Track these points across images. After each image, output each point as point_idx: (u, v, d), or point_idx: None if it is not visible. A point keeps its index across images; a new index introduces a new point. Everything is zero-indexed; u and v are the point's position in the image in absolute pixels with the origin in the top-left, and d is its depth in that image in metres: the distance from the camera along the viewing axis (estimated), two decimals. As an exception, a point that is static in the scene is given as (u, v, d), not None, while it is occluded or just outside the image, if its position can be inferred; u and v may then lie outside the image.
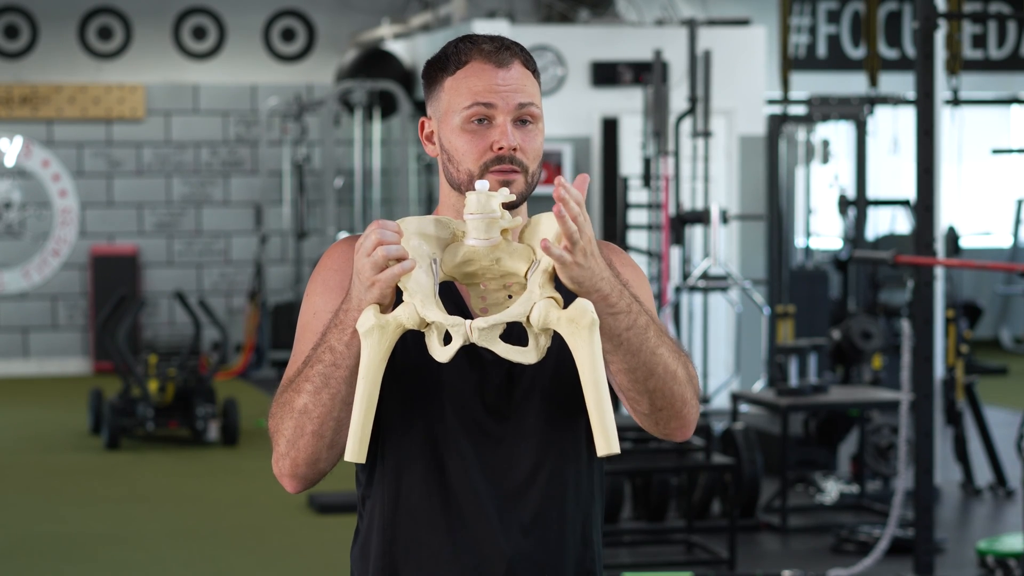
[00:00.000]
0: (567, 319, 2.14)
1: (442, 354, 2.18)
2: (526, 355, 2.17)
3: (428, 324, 2.17)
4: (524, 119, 2.31)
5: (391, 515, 2.33)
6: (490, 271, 2.19)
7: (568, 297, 2.19)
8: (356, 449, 2.16)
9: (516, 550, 2.31)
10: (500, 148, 2.29)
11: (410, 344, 2.27)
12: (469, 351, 2.26)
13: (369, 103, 12.79)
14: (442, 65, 2.34)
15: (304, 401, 2.24)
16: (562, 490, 2.34)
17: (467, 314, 2.26)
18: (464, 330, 2.16)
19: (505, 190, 2.19)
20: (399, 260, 2.15)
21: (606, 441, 2.14)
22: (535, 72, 2.35)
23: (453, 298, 2.29)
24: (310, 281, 2.38)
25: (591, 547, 2.39)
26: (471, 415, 2.31)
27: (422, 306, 2.16)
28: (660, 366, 2.25)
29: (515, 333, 2.22)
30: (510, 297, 2.20)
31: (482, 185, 2.17)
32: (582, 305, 2.14)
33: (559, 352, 2.27)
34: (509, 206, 2.27)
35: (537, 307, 2.15)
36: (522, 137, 2.31)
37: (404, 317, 2.16)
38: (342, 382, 2.22)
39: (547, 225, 2.19)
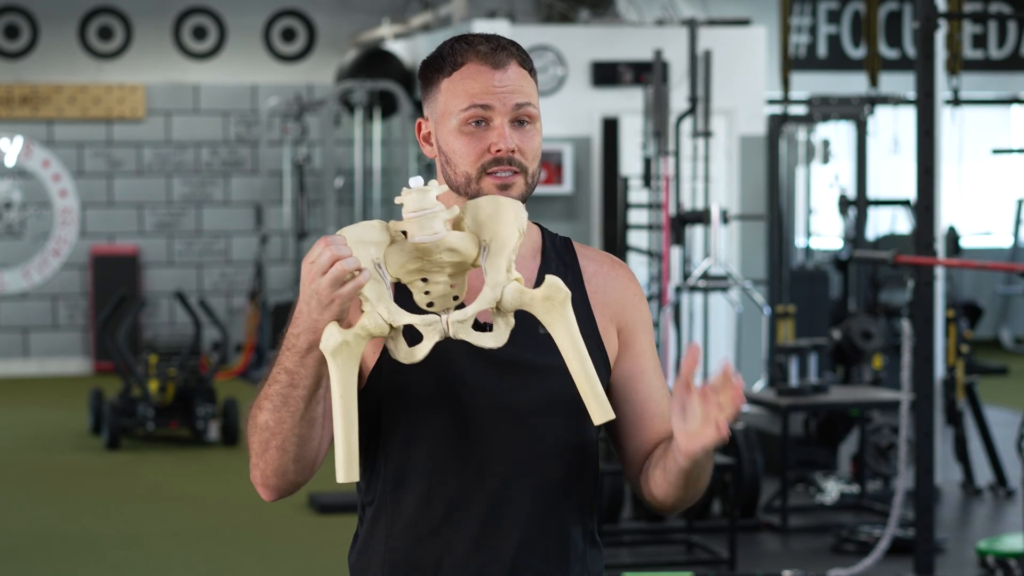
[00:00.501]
0: (542, 297, 2.16)
1: (409, 355, 2.18)
2: (495, 339, 2.18)
3: (393, 329, 2.16)
4: (522, 120, 2.30)
5: (393, 524, 2.33)
6: (435, 265, 2.18)
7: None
8: (346, 469, 2.15)
9: (519, 559, 2.31)
10: (498, 150, 2.28)
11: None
12: (473, 361, 2.27)
13: (369, 103, 12.79)
14: (438, 66, 2.33)
15: (265, 418, 2.24)
16: (564, 499, 2.34)
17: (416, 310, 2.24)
18: (441, 326, 2.16)
19: (434, 182, 2.18)
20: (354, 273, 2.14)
21: (601, 409, 2.17)
22: (532, 71, 2.34)
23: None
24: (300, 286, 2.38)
25: (592, 556, 2.40)
26: (473, 426, 2.30)
27: (388, 312, 2.15)
28: (702, 487, 2.35)
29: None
30: (453, 287, 2.19)
31: (416, 182, 2.16)
32: (554, 282, 2.17)
33: (559, 369, 2.24)
34: None
35: (509, 290, 2.16)
36: (520, 138, 2.30)
37: (371, 326, 2.15)
38: (300, 400, 2.22)
39: (507, 213, 2.18)
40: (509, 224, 2.18)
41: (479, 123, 2.29)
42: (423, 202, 2.15)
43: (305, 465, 2.27)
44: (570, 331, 2.17)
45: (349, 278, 2.13)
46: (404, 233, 2.18)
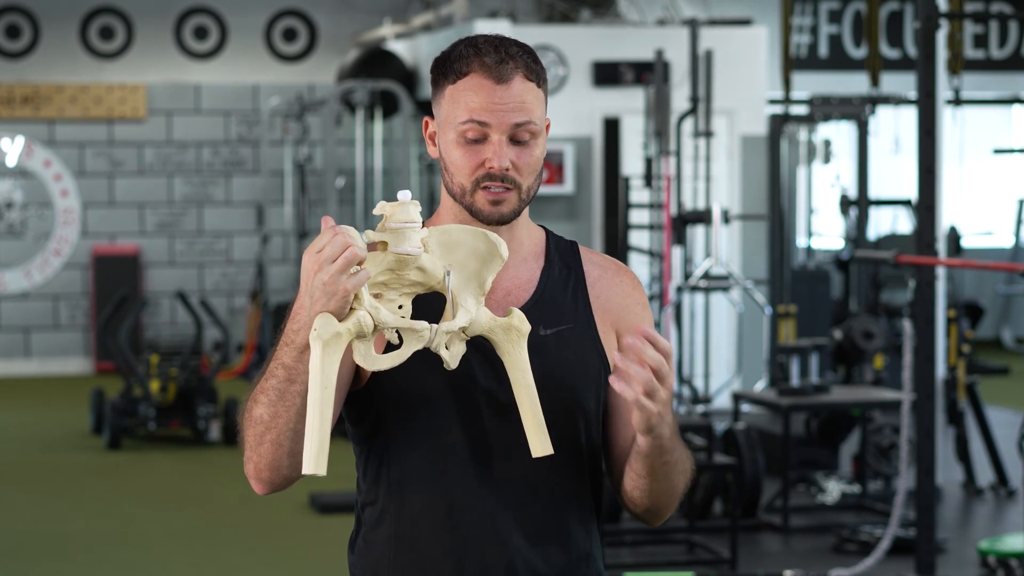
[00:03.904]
0: (507, 326, 2.23)
1: (375, 362, 2.17)
2: (453, 360, 2.22)
3: (372, 331, 2.15)
4: (521, 137, 2.30)
5: (397, 524, 2.33)
6: (400, 281, 2.18)
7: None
8: (315, 462, 2.11)
9: (520, 562, 2.31)
10: (491, 167, 2.28)
11: (416, 359, 2.26)
12: (474, 363, 2.28)
13: (370, 103, 12.79)
14: (444, 71, 2.32)
15: (261, 412, 2.23)
16: (565, 503, 2.35)
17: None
18: (429, 335, 2.18)
19: (414, 200, 2.18)
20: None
21: (541, 443, 2.23)
22: (540, 80, 2.32)
23: None
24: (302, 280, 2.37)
25: (593, 559, 2.40)
26: (475, 430, 2.31)
27: (381, 313, 2.15)
28: (673, 489, 2.35)
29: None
30: (400, 308, 2.19)
31: (404, 195, 2.17)
32: (519, 314, 2.24)
33: (560, 371, 2.29)
34: (503, 221, 2.31)
35: (481, 315, 2.22)
36: (516, 154, 2.29)
37: (364, 324, 2.14)
38: (297, 396, 2.19)
39: (458, 237, 2.21)
40: (492, 258, 2.23)
41: (476, 140, 2.29)
42: (408, 215, 2.16)
43: (298, 460, 2.25)
44: (523, 361, 2.23)
45: (354, 271, 2.12)
46: (376, 246, 2.17)
